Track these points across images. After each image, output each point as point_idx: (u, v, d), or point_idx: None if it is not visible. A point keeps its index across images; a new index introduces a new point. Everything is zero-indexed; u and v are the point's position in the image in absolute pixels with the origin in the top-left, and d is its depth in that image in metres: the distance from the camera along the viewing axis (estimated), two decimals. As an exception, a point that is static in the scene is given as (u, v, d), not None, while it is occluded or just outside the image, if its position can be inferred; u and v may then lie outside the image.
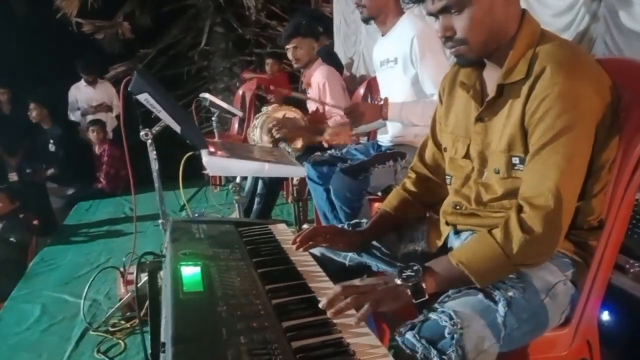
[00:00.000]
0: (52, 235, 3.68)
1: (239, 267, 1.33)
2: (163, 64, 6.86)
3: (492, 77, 1.11)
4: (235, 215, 3.09)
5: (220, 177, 4.26)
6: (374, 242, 1.33)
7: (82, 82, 5.34)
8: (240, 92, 4.73)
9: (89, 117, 5.15)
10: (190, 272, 1.21)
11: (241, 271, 1.31)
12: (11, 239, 3.47)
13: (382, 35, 2.10)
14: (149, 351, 1.58)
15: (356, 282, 1.00)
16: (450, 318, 0.90)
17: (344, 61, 4.76)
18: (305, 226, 2.91)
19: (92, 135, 4.83)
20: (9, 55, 6.33)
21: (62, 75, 5.58)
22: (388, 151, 2.06)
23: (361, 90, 2.90)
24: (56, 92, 5.48)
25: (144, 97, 1.87)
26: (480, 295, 0.97)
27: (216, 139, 3.15)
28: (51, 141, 4.84)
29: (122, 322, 2.14)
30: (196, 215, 3.37)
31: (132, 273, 2.30)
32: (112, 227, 3.64)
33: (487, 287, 0.99)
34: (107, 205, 4.23)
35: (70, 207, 4.45)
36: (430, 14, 1.09)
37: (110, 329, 2.11)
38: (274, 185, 2.83)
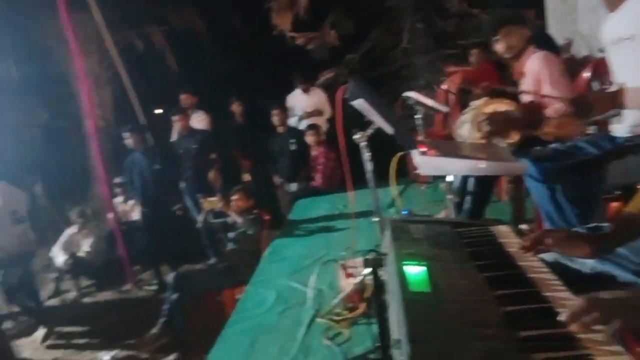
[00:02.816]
0: (280, 229, 4.15)
1: (462, 270, 1.32)
2: (366, 66, 7.17)
3: None
4: (446, 214, 3.06)
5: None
6: (620, 249, 1.18)
7: (298, 91, 5.90)
8: (443, 87, 4.65)
9: (305, 122, 5.67)
10: (415, 271, 1.24)
11: (465, 274, 1.29)
12: (249, 232, 4.02)
13: (611, 11, 1.85)
14: (377, 344, 1.66)
15: (604, 294, 0.89)
16: None
17: (559, 42, 4.30)
18: (523, 227, 2.72)
19: (310, 139, 5.30)
20: (239, 71, 7.38)
21: (279, 84, 6.27)
22: (627, 143, 1.80)
23: (585, 74, 2.59)
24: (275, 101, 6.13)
25: (359, 103, 1.99)
26: None
27: (422, 137, 3.16)
28: (291, 141, 5.45)
29: (345, 312, 2.30)
30: (404, 212, 3.44)
31: (352, 267, 2.46)
32: (329, 223, 3.94)
33: None
34: (323, 202, 4.59)
35: (293, 204, 4.97)
36: None
37: (335, 318, 2.29)
38: (488, 183, 2.71)
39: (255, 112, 6.23)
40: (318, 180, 5.23)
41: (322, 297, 2.57)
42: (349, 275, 2.43)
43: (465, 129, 2.67)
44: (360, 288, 2.27)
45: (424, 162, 1.88)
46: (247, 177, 5.99)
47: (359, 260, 2.54)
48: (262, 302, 2.70)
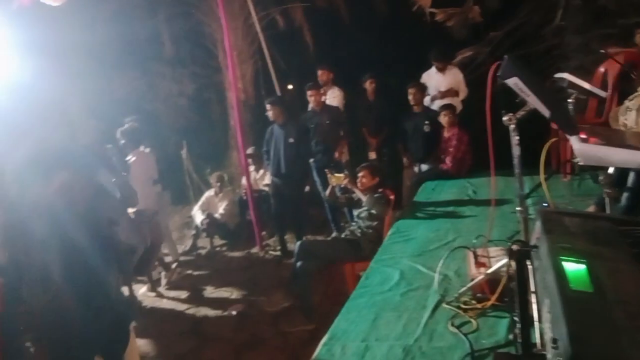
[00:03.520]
0: (405, 210, 4.09)
1: (629, 271, 1.18)
2: (510, 45, 6.66)
3: None
4: (594, 209, 2.78)
5: (571, 165, 3.91)
6: None
7: (433, 69, 5.70)
8: (601, 69, 4.19)
9: (438, 102, 5.47)
10: (574, 268, 1.14)
11: (631, 276, 1.16)
12: (372, 211, 4.02)
13: None
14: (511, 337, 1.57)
15: None
16: None
17: None
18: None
19: (444, 119, 5.12)
20: (374, 48, 7.32)
21: (414, 63, 6.10)
22: None
23: None
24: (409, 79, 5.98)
25: (513, 82, 1.85)
26: None
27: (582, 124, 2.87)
28: (426, 122, 5.28)
29: (473, 301, 2.21)
30: (543, 205, 3.19)
31: (484, 256, 2.34)
32: (457, 208, 3.79)
33: None
34: (451, 187, 4.43)
35: (417, 185, 4.87)
36: None
37: (462, 306, 2.21)
38: (652, 179, 2.39)
39: (388, 90, 6.16)
40: (448, 163, 5.04)
41: (448, 283, 2.50)
42: (481, 265, 2.33)
43: (631, 116, 2.37)
44: (493, 278, 2.16)
45: (584, 150, 1.69)
46: (373, 155, 5.99)
47: (493, 250, 2.42)
48: (386, 280, 2.69)
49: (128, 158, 4.80)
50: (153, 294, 4.79)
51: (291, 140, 5.30)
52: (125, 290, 4.59)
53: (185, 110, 8.69)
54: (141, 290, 4.80)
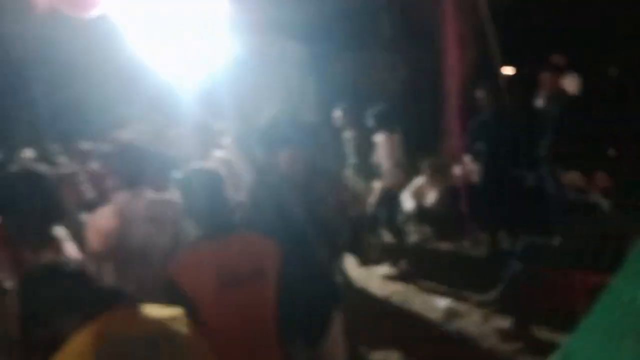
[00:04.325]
0: None
1: None
2: None
3: None
4: None
5: None
6: None
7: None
8: None
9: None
10: None
11: None
12: (611, 218, 3.52)
13: None
14: None
15: None
16: None
17: None
18: None
19: None
20: (618, 29, 6.33)
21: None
22: None
23: None
24: None
25: None
26: None
27: None
28: None
29: None
30: None
31: None
32: None
33: None
34: None
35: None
36: None
37: None
38: None
39: (634, 78, 5.29)
40: None
41: None
42: None
43: None
44: None
45: None
46: (612, 152, 5.20)
47: None
48: (633, 300, 2.31)
49: (376, 139, 5.19)
50: (363, 272, 5.04)
51: (507, 130, 4.93)
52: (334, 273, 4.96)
53: (399, 94, 8.80)
54: (353, 271, 5.08)
